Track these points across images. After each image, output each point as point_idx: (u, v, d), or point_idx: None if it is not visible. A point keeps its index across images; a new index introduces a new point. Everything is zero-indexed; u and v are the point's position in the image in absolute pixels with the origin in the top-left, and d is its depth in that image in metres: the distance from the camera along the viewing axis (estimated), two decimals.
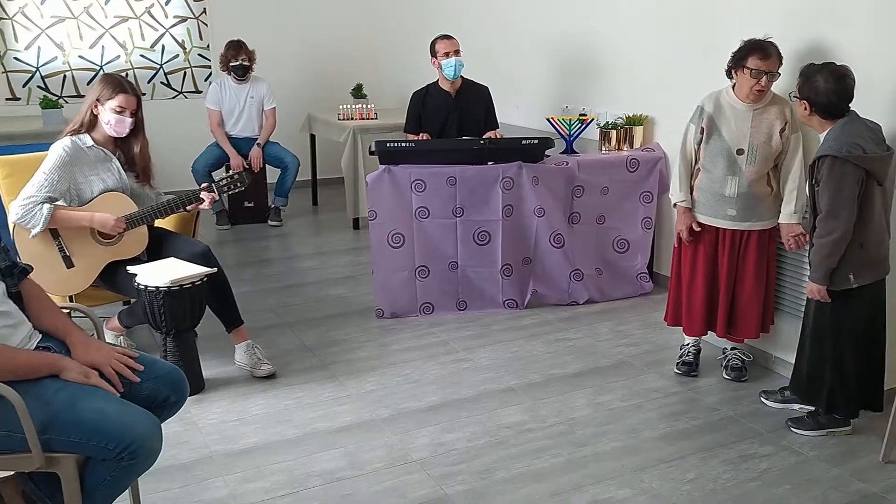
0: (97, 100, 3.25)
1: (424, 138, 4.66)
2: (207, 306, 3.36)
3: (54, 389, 1.95)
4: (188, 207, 3.42)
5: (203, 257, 3.31)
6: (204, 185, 3.50)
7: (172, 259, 3.31)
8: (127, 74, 6.47)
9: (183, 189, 3.90)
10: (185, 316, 3.17)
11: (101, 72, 6.42)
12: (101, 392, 1.98)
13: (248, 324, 3.62)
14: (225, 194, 3.52)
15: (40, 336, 2.11)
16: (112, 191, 3.31)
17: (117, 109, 3.23)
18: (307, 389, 3.38)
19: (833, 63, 2.82)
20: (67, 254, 3.25)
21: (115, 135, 3.29)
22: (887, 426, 2.80)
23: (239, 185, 3.50)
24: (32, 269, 2.22)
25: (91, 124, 3.30)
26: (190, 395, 2.39)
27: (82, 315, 2.43)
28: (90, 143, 3.30)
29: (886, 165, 2.75)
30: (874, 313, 2.89)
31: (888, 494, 2.63)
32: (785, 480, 2.72)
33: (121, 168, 3.36)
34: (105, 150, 3.33)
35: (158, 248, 3.40)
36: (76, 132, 3.30)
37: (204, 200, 3.41)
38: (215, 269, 3.29)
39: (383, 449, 2.91)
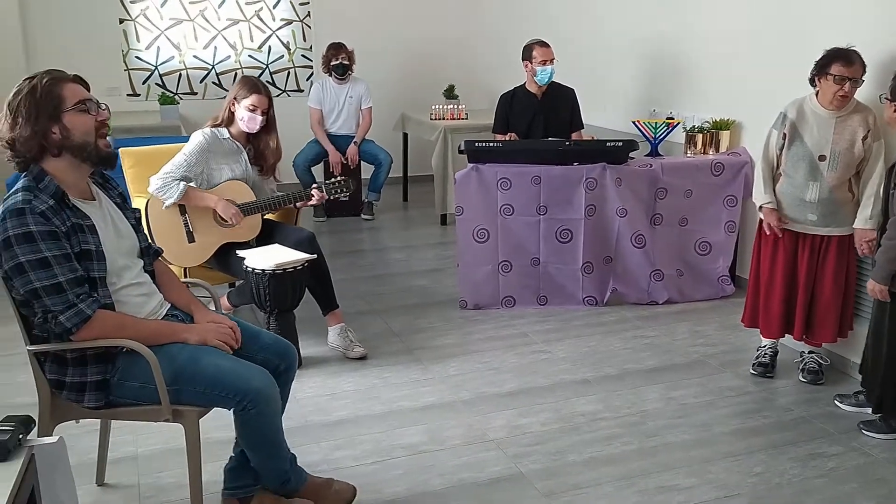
0: (234, 98, 3.63)
1: (512, 138, 4.85)
2: (307, 289, 3.65)
3: (178, 348, 2.25)
4: (297, 204, 3.75)
5: (308, 243, 3.63)
6: (315, 185, 3.82)
7: (277, 245, 3.62)
8: (236, 74, 6.93)
9: (284, 182, 4.22)
10: (286, 297, 3.47)
11: (213, 70, 6.89)
12: (218, 351, 2.27)
13: (341, 309, 3.89)
14: (333, 197, 3.82)
15: (169, 305, 2.42)
16: (237, 179, 3.66)
17: (250, 108, 3.59)
18: (394, 371, 3.63)
19: None
20: (191, 230, 3.63)
21: (248, 130, 3.66)
22: None
23: (344, 190, 3.84)
24: (163, 251, 2.54)
25: (229, 120, 3.69)
26: None
27: (207, 296, 2.75)
28: (227, 135, 3.69)
29: None
30: None
31: None
32: (852, 479, 2.78)
33: (248, 161, 3.73)
34: (238, 143, 3.71)
35: (268, 235, 3.74)
36: (216, 125, 3.69)
37: (313, 198, 3.72)
38: (315, 256, 3.57)
39: (463, 428, 3.12)
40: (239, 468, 2.46)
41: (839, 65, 3.12)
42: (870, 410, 3.17)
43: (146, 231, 3.40)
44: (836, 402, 3.32)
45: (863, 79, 3.16)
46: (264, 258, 3.46)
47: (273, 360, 2.45)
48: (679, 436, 3.07)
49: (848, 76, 3.12)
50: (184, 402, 2.23)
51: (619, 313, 4.35)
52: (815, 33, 3.76)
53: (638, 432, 3.10)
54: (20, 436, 1.51)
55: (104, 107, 2.21)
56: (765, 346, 3.65)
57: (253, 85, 3.65)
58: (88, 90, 2.20)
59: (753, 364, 3.63)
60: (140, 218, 2.45)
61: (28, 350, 2.20)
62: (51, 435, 2.21)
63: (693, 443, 3.03)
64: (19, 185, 2.12)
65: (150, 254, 2.43)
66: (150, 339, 2.22)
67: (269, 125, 3.72)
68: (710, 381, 3.55)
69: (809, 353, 3.58)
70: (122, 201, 2.38)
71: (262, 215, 3.78)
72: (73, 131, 2.12)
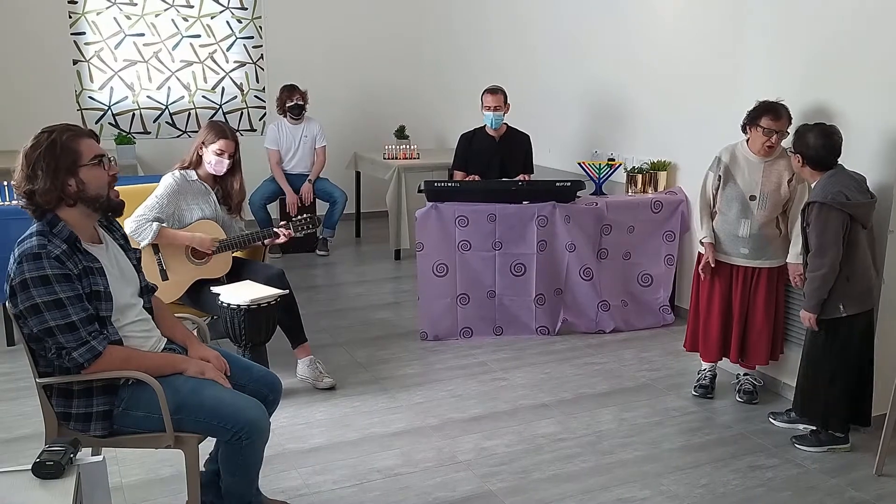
0: (202, 143, 3.79)
1: (475, 179, 5.12)
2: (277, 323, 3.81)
3: (182, 380, 2.41)
4: (265, 241, 3.91)
5: (279, 279, 3.80)
6: (282, 222, 4.00)
7: (248, 281, 3.78)
8: (189, 114, 7.06)
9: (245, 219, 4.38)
10: (260, 331, 3.63)
11: (167, 111, 7.01)
12: (217, 385, 2.43)
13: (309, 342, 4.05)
14: (300, 233, 3.99)
15: (165, 341, 2.57)
16: (207, 219, 3.81)
17: (217, 152, 3.76)
18: (362, 400, 3.81)
19: (823, 123, 3.28)
20: (164, 268, 3.76)
21: (215, 173, 3.82)
22: (879, 444, 3.17)
23: (311, 226, 4.01)
24: (157, 287, 2.69)
25: (197, 163, 3.84)
26: None
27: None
28: (195, 177, 3.84)
29: (869, 211, 3.19)
30: (861, 341, 3.28)
31: (878, 502, 2.99)
32: (787, 488, 3.09)
33: (217, 201, 3.87)
34: (206, 184, 3.86)
35: (237, 272, 3.89)
36: (184, 168, 3.83)
37: (280, 236, 3.89)
38: (287, 291, 3.75)
39: (433, 451, 3.33)
40: (208, 484, 2.58)
41: (768, 118, 3.50)
42: (801, 426, 3.50)
43: None
44: (770, 419, 3.64)
45: (788, 130, 3.54)
46: (238, 294, 3.61)
47: (263, 391, 2.61)
48: (632, 453, 3.34)
49: (775, 129, 3.50)
50: (184, 430, 2.38)
51: (569, 342, 4.63)
52: (744, 84, 4.16)
53: (595, 451, 3.35)
54: (71, 455, 1.66)
55: (114, 161, 2.39)
56: (704, 370, 3.97)
57: (220, 130, 3.83)
58: (98, 142, 2.36)
59: (695, 386, 3.94)
60: (140, 258, 2.60)
61: (37, 383, 2.32)
62: None
63: (645, 459, 3.29)
64: (34, 229, 2.26)
65: (147, 291, 2.59)
66: (154, 370, 2.37)
67: (234, 167, 3.90)
68: (657, 402, 3.84)
69: (744, 375, 3.91)
70: (125, 242, 2.54)
71: (232, 252, 3.94)
72: (89, 185, 2.28)
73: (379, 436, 3.45)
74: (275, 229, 3.94)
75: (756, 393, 3.86)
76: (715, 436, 3.51)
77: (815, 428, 3.43)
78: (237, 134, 3.97)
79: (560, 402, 3.82)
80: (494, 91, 5.16)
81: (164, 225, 3.72)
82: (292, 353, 3.98)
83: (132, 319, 2.42)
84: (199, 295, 3.81)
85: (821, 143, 3.20)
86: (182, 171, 3.84)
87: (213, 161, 3.80)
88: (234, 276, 3.90)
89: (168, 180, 3.79)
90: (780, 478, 3.16)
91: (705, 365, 3.97)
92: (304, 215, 4.08)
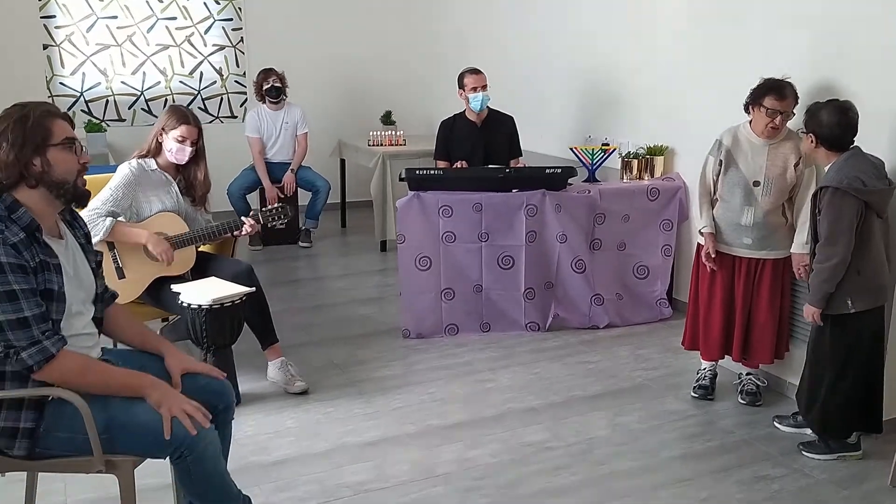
0: (162, 128, 3.51)
1: (463, 166, 4.84)
2: (246, 322, 3.53)
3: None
4: (234, 233, 3.63)
5: (246, 276, 3.52)
6: (251, 213, 3.72)
7: (213, 278, 3.50)
8: (166, 100, 6.76)
9: (218, 210, 4.10)
10: (224, 333, 3.36)
11: (142, 97, 6.71)
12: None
13: (280, 341, 3.78)
14: (269, 225, 3.72)
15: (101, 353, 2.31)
16: (168, 211, 3.53)
17: (179, 139, 3.48)
18: (337, 405, 3.54)
19: (837, 99, 3.00)
20: (120, 265, 3.48)
21: (176, 161, 3.54)
22: (895, 452, 2.90)
23: (282, 217, 3.73)
24: (118, 295, 2.44)
25: (156, 150, 3.57)
26: None
27: None
28: (154, 166, 3.56)
29: (886, 199, 2.90)
30: (872, 339, 3.01)
31: None
32: (794, 501, 2.83)
33: (179, 192, 3.60)
34: (167, 174, 3.58)
35: (203, 268, 3.61)
36: (143, 156, 3.56)
37: (245, 228, 3.61)
38: (254, 289, 3.47)
39: (410, 463, 3.06)
40: None
41: (772, 98, 3.21)
42: (808, 431, 3.24)
43: None
44: (775, 423, 3.38)
45: (794, 111, 3.25)
46: (200, 293, 3.34)
47: (211, 401, 2.34)
48: (626, 463, 3.08)
49: (780, 110, 3.22)
50: (117, 451, 2.11)
51: (561, 338, 4.36)
52: (746, 63, 3.87)
53: (586, 461, 3.09)
54: None
55: (86, 150, 2.17)
56: (704, 369, 3.70)
57: (182, 115, 3.54)
58: (73, 128, 2.15)
59: (694, 387, 3.68)
60: (101, 261, 2.34)
61: None
62: None
63: (640, 470, 3.03)
64: None
65: (103, 299, 2.33)
66: (116, 388, 2.12)
67: (197, 156, 3.61)
68: (654, 405, 3.58)
69: (747, 374, 3.64)
70: (86, 241, 2.30)
71: (197, 247, 3.66)
72: (55, 167, 2.07)
73: (351, 446, 3.19)
74: (241, 219, 3.65)
75: (759, 394, 3.59)
76: (716, 442, 3.25)
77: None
78: (205, 118, 3.68)
79: (550, 406, 3.55)
80: (477, 71, 4.86)
81: (120, 219, 3.44)
82: (264, 355, 3.72)
83: (78, 332, 2.16)
84: (159, 293, 3.53)
85: (835, 121, 2.91)
86: (140, 160, 3.56)
87: (174, 148, 3.52)
88: (199, 271, 3.62)
89: (123, 170, 3.51)
90: (788, 490, 2.90)
91: (705, 364, 3.70)
92: (276, 205, 3.80)
